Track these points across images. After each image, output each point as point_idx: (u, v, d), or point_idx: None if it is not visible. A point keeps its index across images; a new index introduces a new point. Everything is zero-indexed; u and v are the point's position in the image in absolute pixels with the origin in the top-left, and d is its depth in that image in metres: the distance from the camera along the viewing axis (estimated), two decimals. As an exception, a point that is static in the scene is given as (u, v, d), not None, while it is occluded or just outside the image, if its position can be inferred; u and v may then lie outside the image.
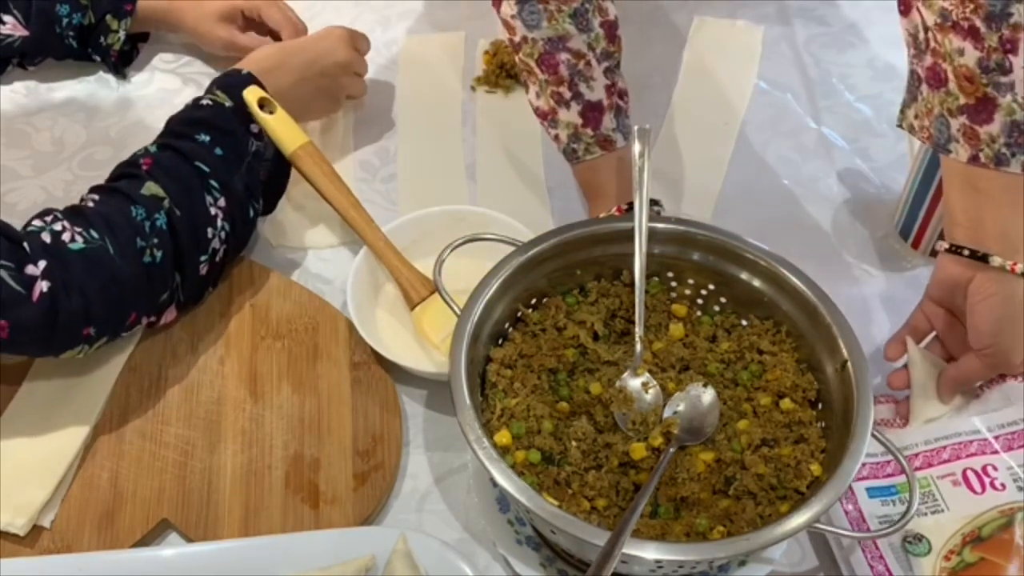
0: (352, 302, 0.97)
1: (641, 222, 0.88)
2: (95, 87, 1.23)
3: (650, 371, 0.86)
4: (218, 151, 0.97)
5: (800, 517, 0.73)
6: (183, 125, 0.98)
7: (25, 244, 0.84)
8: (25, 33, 1.18)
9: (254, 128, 1.00)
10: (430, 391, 0.97)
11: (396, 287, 1.01)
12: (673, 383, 0.86)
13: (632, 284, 0.89)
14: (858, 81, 1.23)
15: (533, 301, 0.90)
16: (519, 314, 0.89)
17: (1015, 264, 0.86)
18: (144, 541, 0.87)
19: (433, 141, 1.19)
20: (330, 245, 1.09)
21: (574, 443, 0.82)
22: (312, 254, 1.08)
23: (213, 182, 0.95)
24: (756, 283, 0.89)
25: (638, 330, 0.87)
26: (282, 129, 1.02)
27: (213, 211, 0.95)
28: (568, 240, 0.89)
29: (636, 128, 0.91)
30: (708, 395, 0.85)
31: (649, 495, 0.77)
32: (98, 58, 1.22)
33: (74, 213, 0.90)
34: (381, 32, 1.30)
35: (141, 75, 1.25)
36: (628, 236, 0.88)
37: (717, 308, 0.92)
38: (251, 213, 0.99)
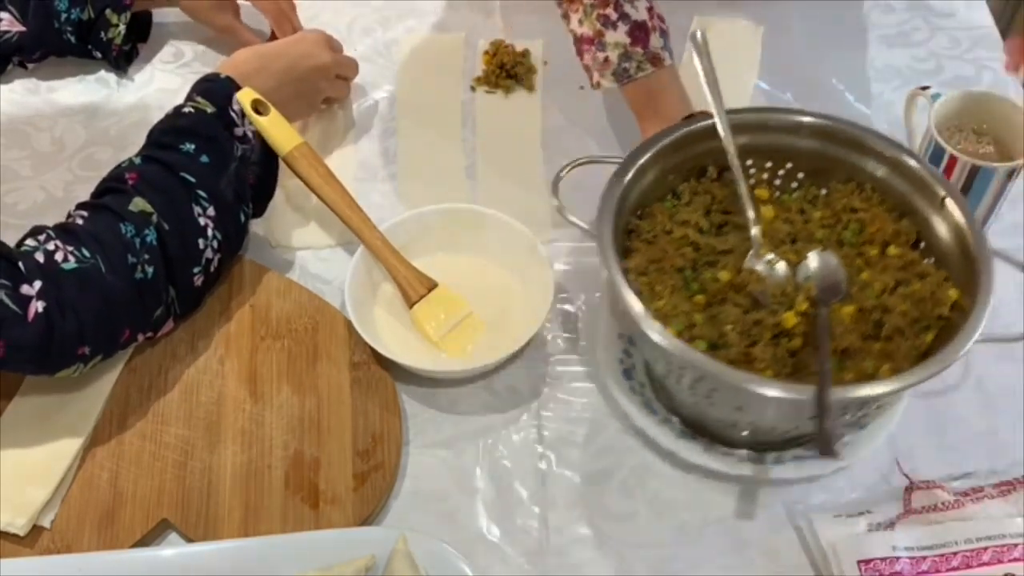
0: (350, 301, 0.97)
1: (722, 116, 0.94)
2: (95, 87, 1.23)
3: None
4: (203, 159, 0.96)
5: (973, 329, 0.82)
6: (166, 135, 0.97)
7: (20, 264, 0.84)
8: (23, 29, 1.18)
9: (238, 132, 0.99)
10: (430, 391, 0.97)
11: (394, 286, 1.01)
12: (792, 255, 0.92)
13: (718, 178, 0.97)
14: (858, 81, 1.23)
15: (639, 212, 0.94)
16: (629, 227, 0.92)
17: None
18: (144, 541, 0.87)
19: (433, 141, 1.19)
20: (329, 245, 1.09)
21: (728, 327, 0.86)
22: (312, 254, 1.08)
23: (201, 192, 0.94)
24: (834, 151, 0.96)
25: (750, 214, 0.92)
26: (276, 130, 1.02)
27: (203, 221, 0.94)
28: (662, 148, 0.94)
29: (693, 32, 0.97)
30: (829, 256, 0.91)
31: (828, 348, 0.83)
32: (99, 54, 1.22)
33: (64, 231, 0.89)
34: (381, 32, 1.30)
35: (141, 75, 1.25)
36: (707, 134, 0.95)
37: (795, 184, 0.98)
38: (242, 218, 0.99)
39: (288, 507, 0.88)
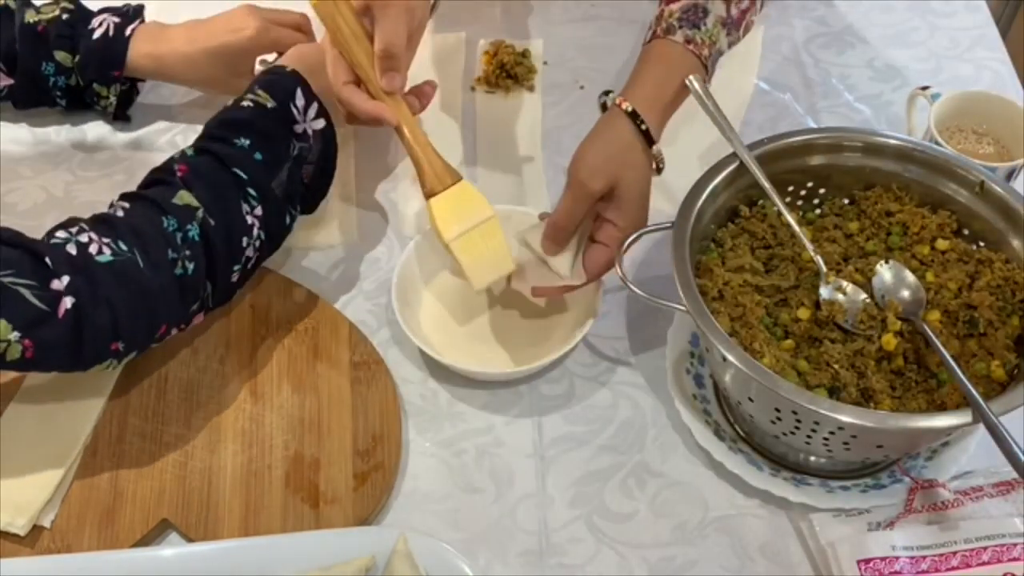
0: (396, 296, 0.97)
1: (748, 154, 0.93)
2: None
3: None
4: (257, 156, 0.93)
5: None
6: (222, 128, 0.94)
7: (47, 259, 0.82)
8: (11, 82, 1.12)
9: (298, 128, 0.96)
10: (430, 391, 0.97)
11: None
12: (857, 275, 0.91)
13: (750, 216, 0.96)
14: (858, 81, 1.23)
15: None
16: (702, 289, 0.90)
17: (623, 100, 0.93)
18: (144, 541, 0.87)
19: (433, 141, 1.18)
20: (330, 245, 1.09)
21: (836, 365, 0.85)
22: (312, 254, 1.08)
23: (251, 189, 0.92)
24: (844, 160, 0.96)
25: (809, 246, 0.91)
26: None
27: (250, 220, 0.92)
28: (701, 205, 0.92)
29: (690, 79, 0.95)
30: (898, 266, 0.91)
31: (956, 366, 0.82)
32: (97, 109, 1.16)
33: (101, 222, 0.87)
34: (381, 32, 1.30)
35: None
36: (735, 175, 0.94)
37: (816, 201, 0.98)
38: (287, 220, 0.97)
39: (288, 507, 0.88)
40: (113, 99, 1.14)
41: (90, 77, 1.12)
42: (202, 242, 0.89)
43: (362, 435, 0.92)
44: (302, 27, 1.15)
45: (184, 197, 0.89)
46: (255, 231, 0.93)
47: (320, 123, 0.98)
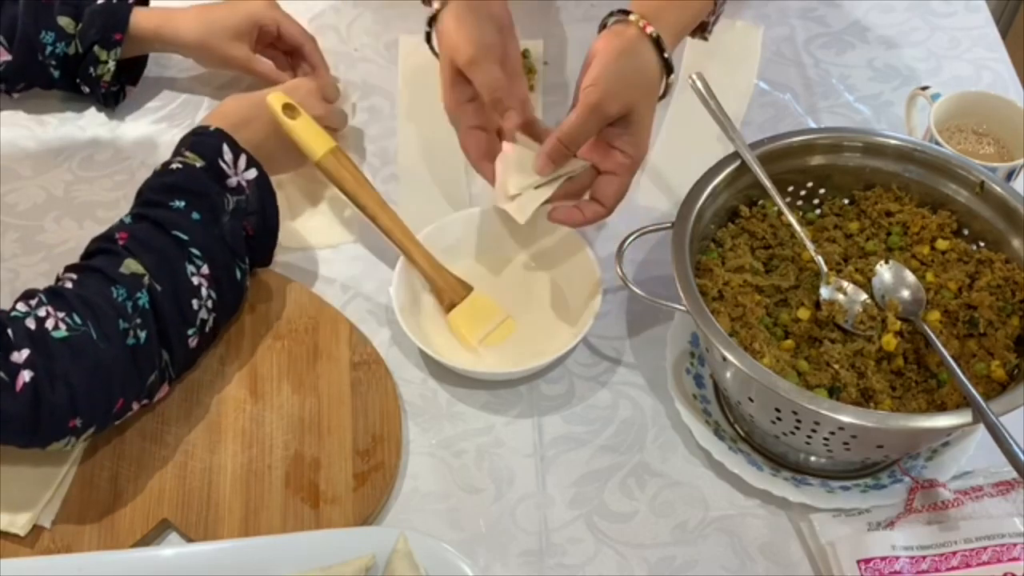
0: (396, 301, 0.97)
1: (751, 153, 0.93)
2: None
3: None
4: (195, 215, 0.92)
5: None
6: (155, 193, 0.94)
7: (9, 330, 0.81)
8: (9, 58, 1.12)
9: (231, 183, 0.96)
10: (430, 391, 0.97)
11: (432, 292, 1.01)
12: (857, 275, 0.91)
13: (750, 216, 0.96)
14: (858, 81, 1.23)
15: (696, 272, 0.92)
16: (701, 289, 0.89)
17: (648, 24, 0.91)
18: (144, 541, 0.87)
19: (433, 141, 1.19)
20: (330, 245, 1.09)
21: (836, 365, 0.85)
22: (312, 254, 1.08)
23: (193, 250, 0.91)
24: (845, 160, 0.96)
25: (810, 246, 0.91)
26: (307, 134, 1.01)
27: (196, 280, 0.91)
28: (701, 205, 0.91)
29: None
30: (898, 266, 0.91)
31: (956, 366, 0.82)
32: (86, 89, 1.16)
33: (56, 295, 0.86)
34: (381, 32, 1.30)
35: (144, 82, 1.24)
36: (736, 175, 0.94)
37: (816, 201, 0.98)
38: (238, 275, 0.95)
39: (288, 507, 0.88)
40: (111, 65, 1.13)
41: (91, 40, 1.11)
42: (151, 310, 0.88)
43: (362, 435, 0.92)
44: (304, 46, 1.17)
45: (130, 265, 0.88)
46: (204, 291, 0.91)
47: (252, 173, 0.98)
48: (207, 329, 0.93)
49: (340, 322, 1.00)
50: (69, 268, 0.90)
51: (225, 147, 0.96)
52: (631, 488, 0.91)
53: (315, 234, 1.09)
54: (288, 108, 1.01)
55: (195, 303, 0.91)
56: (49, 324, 0.83)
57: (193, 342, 0.92)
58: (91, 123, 1.19)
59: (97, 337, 0.84)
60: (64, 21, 1.11)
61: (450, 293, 0.99)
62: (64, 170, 1.15)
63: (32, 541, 0.86)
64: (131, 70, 1.20)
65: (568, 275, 1.02)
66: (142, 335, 0.87)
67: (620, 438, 0.94)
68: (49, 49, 1.12)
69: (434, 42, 1.03)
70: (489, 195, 1.12)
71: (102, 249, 0.91)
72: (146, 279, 0.88)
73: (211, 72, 1.22)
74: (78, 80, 1.15)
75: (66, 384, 0.82)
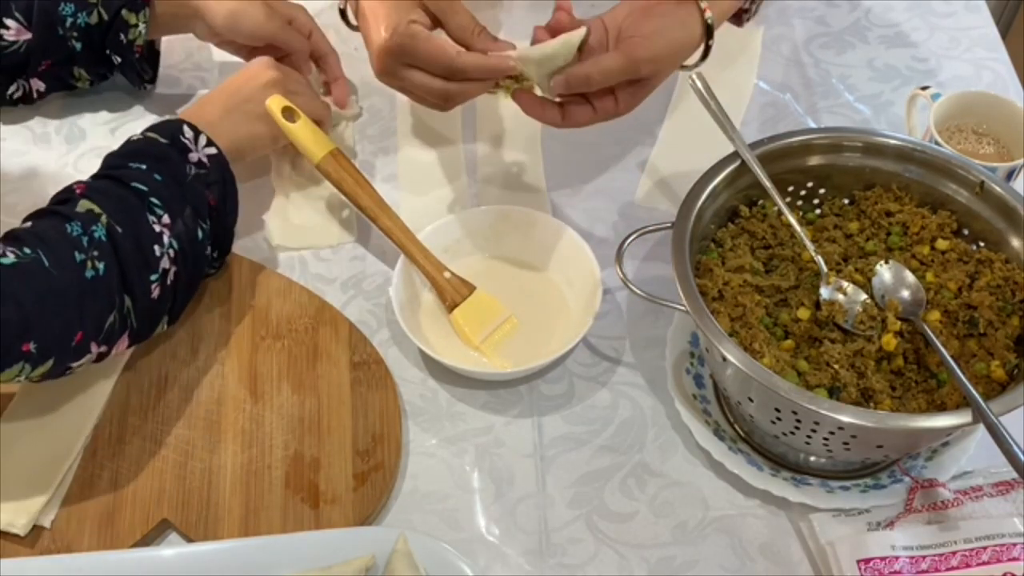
0: (396, 302, 0.97)
1: (751, 154, 0.93)
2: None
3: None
4: (156, 176, 0.94)
5: None
6: (118, 158, 0.96)
7: None
8: (29, 36, 1.09)
9: (192, 158, 0.97)
10: (430, 391, 0.97)
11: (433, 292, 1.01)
12: (857, 275, 0.91)
13: (750, 216, 0.96)
14: (858, 81, 1.23)
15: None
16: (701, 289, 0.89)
17: (708, 8, 0.92)
18: (144, 541, 0.87)
19: (433, 141, 1.19)
20: (330, 245, 1.09)
21: (836, 365, 0.85)
22: (312, 254, 1.08)
23: (153, 199, 0.92)
24: (845, 160, 0.96)
25: (810, 246, 0.91)
26: (307, 136, 1.01)
27: (158, 228, 0.91)
28: (701, 205, 0.91)
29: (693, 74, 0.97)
30: (898, 267, 0.91)
31: (955, 366, 0.82)
32: (118, 59, 1.12)
33: (7, 237, 0.86)
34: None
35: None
36: (736, 175, 0.94)
37: (816, 201, 0.98)
38: (199, 235, 0.95)
39: (288, 507, 0.88)
40: (143, 28, 1.10)
41: (118, 4, 1.09)
42: (110, 244, 0.88)
43: (362, 435, 0.92)
44: (328, 57, 1.18)
45: (85, 205, 0.89)
46: (165, 239, 0.91)
47: (212, 149, 0.98)
48: (168, 280, 0.92)
49: (340, 322, 1.00)
50: (27, 217, 0.90)
51: (185, 127, 0.98)
52: (631, 488, 0.91)
53: (315, 234, 1.09)
54: (287, 111, 1.01)
55: (156, 249, 0.90)
56: None
57: (156, 291, 0.91)
58: (91, 123, 1.19)
59: (49, 264, 0.83)
60: None
61: (452, 293, 1.00)
62: (64, 170, 1.15)
63: (32, 541, 0.86)
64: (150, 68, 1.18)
65: (568, 275, 1.02)
66: (100, 266, 0.86)
67: (620, 438, 0.94)
68: (69, 21, 1.09)
69: (350, 17, 1.03)
70: (490, 195, 1.12)
71: (58, 199, 0.91)
72: (103, 218, 0.88)
73: (220, 81, 1.22)
74: (108, 51, 1.12)
75: (16, 304, 0.80)
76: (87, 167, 1.14)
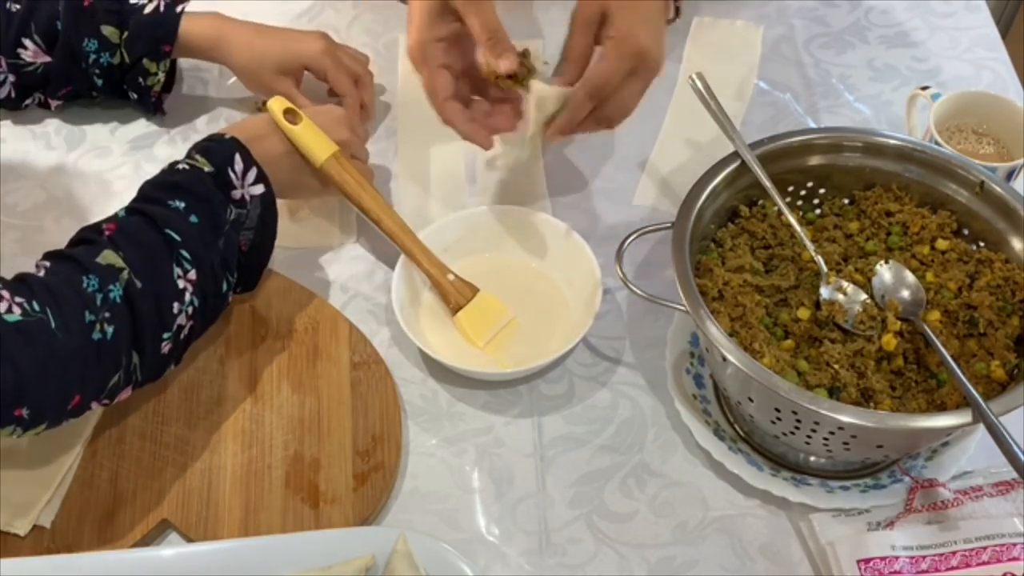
0: (397, 303, 0.97)
1: (751, 154, 0.93)
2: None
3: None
4: (193, 219, 0.89)
5: None
6: (156, 189, 0.90)
7: None
8: (48, 60, 1.10)
9: (235, 194, 0.93)
10: (430, 391, 0.97)
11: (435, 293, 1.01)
12: (857, 275, 0.91)
13: (750, 216, 0.96)
14: (858, 81, 1.23)
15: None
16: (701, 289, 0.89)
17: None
18: (144, 541, 0.87)
19: (433, 141, 1.19)
20: (330, 245, 1.09)
21: (836, 365, 0.85)
22: (312, 254, 1.08)
23: (184, 252, 0.87)
24: (844, 160, 0.96)
25: (810, 246, 0.91)
26: (309, 138, 0.99)
27: (181, 284, 0.87)
28: (701, 205, 0.92)
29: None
30: (899, 267, 0.91)
31: (955, 366, 0.82)
32: (135, 96, 1.14)
33: (19, 282, 0.82)
34: (381, 32, 1.30)
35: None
36: (736, 175, 0.94)
37: (816, 201, 0.98)
38: (224, 287, 0.92)
39: (288, 507, 0.88)
40: (162, 76, 1.12)
41: (140, 52, 1.10)
42: (125, 305, 0.83)
43: (362, 435, 0.92)
44: (361, 78, 1.16)
45: (108, 256, 0.84)
46: (187, 296, 0.88)
47: (259, 188, 0.95)
48: (182, 336, 0.89)
49: (340, 322, 1.00)
50: (47, 255, 0.87)
51: (237, 157, 0.94)
52: (631, 488, 0.91)
53: (315, 234, 1.09)
54: (289, 113, 1.00)
55: (176, 307, 0.87)
56: (2, 307, 0.78)
57: (166, 347, 0.87)
58: (92, 124, 1.19)
59: (56, 326, 0.79)
60: (108, 31, 1.09)
61: (456, 295, 1.00)
62: (64, 170, 1.15)
63: (32, 541, 0.86)
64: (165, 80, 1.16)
65: (568, 275, 1.02)
66: (109, 330, 0.82)
67: (620, 438, 0.94)
68: (92, 58, 1.10)
69: None
70: (490, 195, 1.12)
71: (84, 238, 0.87)
72: (125, 273, 0.84)
73: (221, 83, 1.22)
74: (125, 87, 1.14)
75: (13, 368, 0.77)
76: (87, 167, 1.15)
